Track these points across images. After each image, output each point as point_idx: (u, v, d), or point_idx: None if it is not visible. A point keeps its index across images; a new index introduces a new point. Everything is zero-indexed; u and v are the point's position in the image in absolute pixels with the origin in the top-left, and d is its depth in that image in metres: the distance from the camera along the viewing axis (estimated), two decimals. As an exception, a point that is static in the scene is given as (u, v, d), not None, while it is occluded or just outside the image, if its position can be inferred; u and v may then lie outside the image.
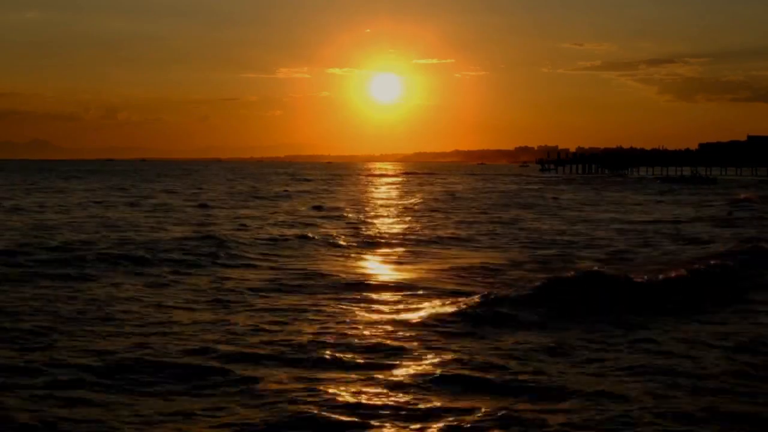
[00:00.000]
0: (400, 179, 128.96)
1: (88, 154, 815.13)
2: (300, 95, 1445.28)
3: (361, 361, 12.17)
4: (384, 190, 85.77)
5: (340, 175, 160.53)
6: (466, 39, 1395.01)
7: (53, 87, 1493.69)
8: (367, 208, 52.36)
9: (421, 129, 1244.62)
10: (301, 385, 10.88)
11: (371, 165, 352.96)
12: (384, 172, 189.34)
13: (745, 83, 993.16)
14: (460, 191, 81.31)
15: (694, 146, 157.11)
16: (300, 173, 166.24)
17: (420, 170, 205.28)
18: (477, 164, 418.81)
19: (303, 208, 50.64)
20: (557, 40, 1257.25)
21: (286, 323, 14.89)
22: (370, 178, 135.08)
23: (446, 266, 23.04)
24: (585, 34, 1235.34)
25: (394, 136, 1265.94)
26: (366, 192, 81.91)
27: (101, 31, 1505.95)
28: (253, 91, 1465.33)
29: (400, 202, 60.19)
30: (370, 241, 30.68)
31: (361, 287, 19.02)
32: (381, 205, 56.01)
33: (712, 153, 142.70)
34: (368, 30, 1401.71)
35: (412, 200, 63.68)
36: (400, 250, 27.74)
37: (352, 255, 26.21)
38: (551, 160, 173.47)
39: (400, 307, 16.55)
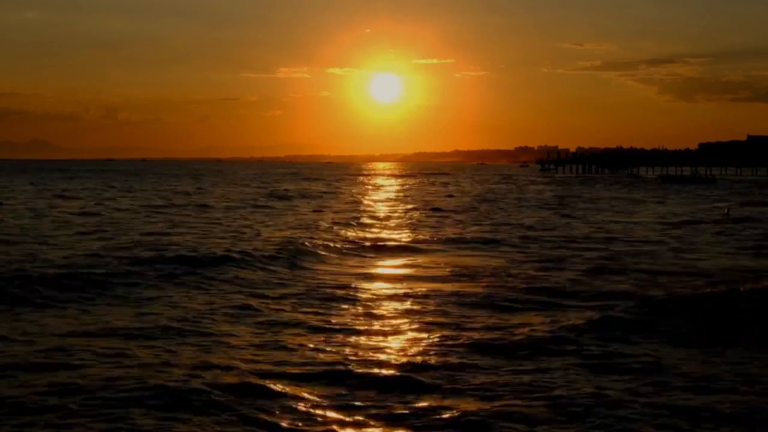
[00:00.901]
0: (417, 180, 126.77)
1: (88, 154, 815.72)
2: (300, 95, 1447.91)
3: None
4: (409, 190, 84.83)
5: (353, 175, 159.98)
6: (466, 39, 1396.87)
7: (53, 87, 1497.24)
8: (412, 208, 51.65)
9: (421, 129, 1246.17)
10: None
11: (373, 165, 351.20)
12: (393, 172, 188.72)
13: (745, 83, 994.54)
14: (490, 191, 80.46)
15: (694, 146, 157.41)
16: (314, 174, 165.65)
17: (430, 170, 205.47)
18: (477, 164, 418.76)
19: (353, 208, 51.16)
20: (557, 40, 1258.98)
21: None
22: (385, 179, 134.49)
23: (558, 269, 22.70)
24: (585, 34, 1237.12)
25: (394, 136, 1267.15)
26: (394, 191, 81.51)
27: (101, 31, 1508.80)
28: (253, 91, 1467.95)
29: (439, 203, 58.94)
30: (456, 242, 30.13)
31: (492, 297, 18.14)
32: (424, 206, 54.01)
33: (712, 153, 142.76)
34: (368, 30, 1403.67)
35: (451, 200, 63.30)
36: (496, 252, 27.00)
37: (452, 259, 25.43)
38: (551, 160, 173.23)
39: (546, 314, 16.12)
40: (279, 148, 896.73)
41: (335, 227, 35.86)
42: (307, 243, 27.54)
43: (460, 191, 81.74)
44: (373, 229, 35.96)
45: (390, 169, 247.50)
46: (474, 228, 36.58)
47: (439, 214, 46.01)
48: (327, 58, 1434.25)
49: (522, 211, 48.94)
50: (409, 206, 54.56)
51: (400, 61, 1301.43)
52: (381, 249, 28.03)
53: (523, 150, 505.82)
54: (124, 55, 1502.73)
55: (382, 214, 46.13)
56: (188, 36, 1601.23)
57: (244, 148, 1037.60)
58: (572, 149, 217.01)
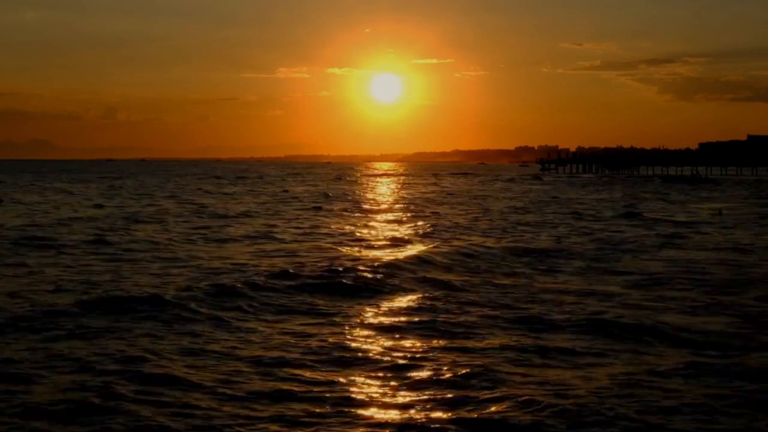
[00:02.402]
0: (448, 180, 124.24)
1: (88, 154, 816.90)
2: (300, 95, 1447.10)
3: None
4: (459, 191, 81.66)
5: (373, 175, 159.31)
6: (466, 39, 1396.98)
7: (53, 87, 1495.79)
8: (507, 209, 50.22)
9: (421, 129, 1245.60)
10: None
11: (376, 165, 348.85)
12: (413, 172, 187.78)
13: (745, 83, 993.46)
14: (530, 191, 78.14)
15: (694, 146, 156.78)
16: (338, 174, 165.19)
17: (448, 170, 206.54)
18: (478, 164, 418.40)
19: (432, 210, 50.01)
20: (557, 40, 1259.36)
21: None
22: (414, 178, 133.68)
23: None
24: (585, 34, 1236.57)
25: (394, 136, 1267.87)
26: (449, 192, 78.79)
27: (101, 31, 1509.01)
28: (253, 91, 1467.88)
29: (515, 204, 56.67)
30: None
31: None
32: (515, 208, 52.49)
33: (712, 153, 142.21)
34: (368, 30, 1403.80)
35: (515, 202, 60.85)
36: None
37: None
38: (552, 159, 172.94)
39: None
40: (279, 148, 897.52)
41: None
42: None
43: (515, 192, 78.66)
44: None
45: (402, 169, 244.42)
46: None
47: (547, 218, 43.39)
48: (327, 58, 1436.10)
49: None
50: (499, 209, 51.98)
51: (400, 61, 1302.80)
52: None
53: (524, 150, 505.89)
54: (124, 55, 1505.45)
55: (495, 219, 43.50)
56: (188, 36, 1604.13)
57: (243, 147, 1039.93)
58: (572, 149, 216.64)
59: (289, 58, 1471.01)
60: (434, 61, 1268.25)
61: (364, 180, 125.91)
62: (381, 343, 13.64)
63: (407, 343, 13.57)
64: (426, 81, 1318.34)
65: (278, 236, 32.12)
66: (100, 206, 50.69)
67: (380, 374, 11.73)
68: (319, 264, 22.53)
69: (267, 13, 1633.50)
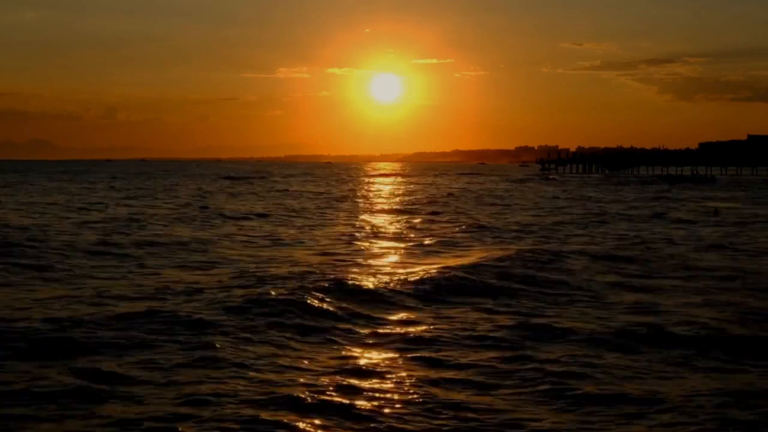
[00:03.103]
0: (465, 180, 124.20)
1: (88, 154, 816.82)
2: (300, 95, 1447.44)
3: None
4: (495, 192, 79.19)
5: (388, 175, 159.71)
6: (466, 39, 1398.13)
7: (53, 87, 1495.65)
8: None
9: (421, 129, 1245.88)
10: None
11: (380, 165, 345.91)
12: (424, 172, 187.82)
13: (745, 83, 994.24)
14: (550, 193, 76.58)
15: (694, 146, 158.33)
16: (350, 174, 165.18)
17: (456, 170, 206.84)
18: (478, 164, 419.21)
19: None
20: (557, 40, 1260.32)
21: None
22: (431, 177, 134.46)
23: None
24: (585, 34, 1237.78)
25: (394, 136, 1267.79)
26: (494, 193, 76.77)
27: (101, 31, 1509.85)
28: (253, 91, 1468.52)
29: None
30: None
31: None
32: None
33: (713, 152, 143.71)
34: (368, 30, 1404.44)
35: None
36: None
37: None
38: (552, 159, 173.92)
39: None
40: (279, 148, 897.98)
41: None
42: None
43: (531, 191, 78.23)
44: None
45: (409, 169, 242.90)
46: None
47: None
48: (327, 58, 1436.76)
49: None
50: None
51: (400, 61, 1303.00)
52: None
53: (524, 150, 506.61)
54: (124, 55, 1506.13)
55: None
56: (188, 36, 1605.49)
57: (243, 147, 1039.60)
58: (572, 149, 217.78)
59: (289, 58, 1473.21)
60: (434, 61, 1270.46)
61: (378, 180, 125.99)
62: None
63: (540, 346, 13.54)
64: (426, 81, 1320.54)
65: (334, 239, 31.50)
66: (104, 208, 49.62)
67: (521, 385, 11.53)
68: (413, 269, 21.71)
69: (267, 13, 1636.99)
